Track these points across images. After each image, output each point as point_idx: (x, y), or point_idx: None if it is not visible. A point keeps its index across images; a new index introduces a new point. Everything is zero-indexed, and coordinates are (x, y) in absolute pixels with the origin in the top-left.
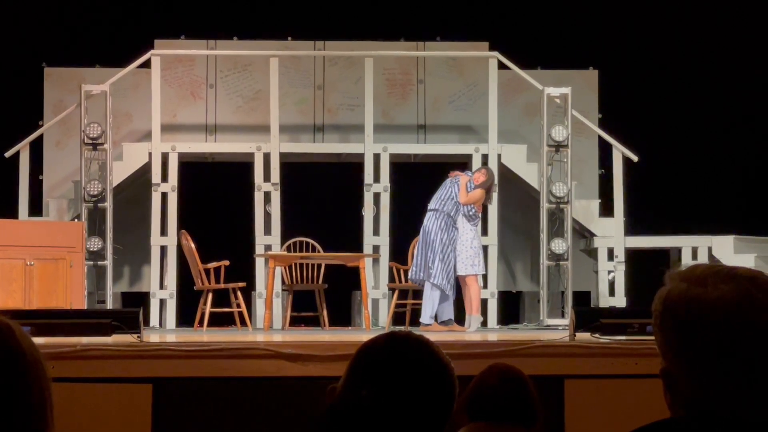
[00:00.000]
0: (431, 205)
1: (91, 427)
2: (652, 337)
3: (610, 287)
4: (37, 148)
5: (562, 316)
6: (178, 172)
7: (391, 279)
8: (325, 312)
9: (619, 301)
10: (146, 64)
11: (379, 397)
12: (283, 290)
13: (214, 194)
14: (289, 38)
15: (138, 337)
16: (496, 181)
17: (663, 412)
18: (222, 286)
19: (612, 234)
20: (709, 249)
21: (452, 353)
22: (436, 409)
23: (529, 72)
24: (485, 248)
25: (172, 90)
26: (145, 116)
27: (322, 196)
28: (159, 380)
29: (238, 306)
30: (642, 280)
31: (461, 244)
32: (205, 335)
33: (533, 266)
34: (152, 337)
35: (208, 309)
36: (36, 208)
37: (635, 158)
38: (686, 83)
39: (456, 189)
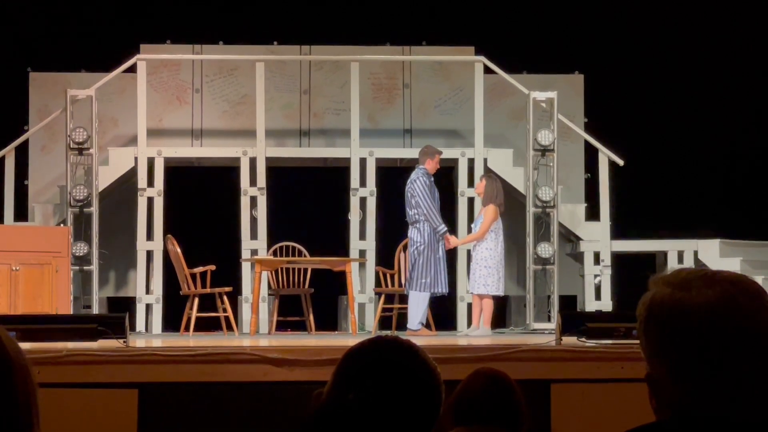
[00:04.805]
0: (407, 218)
1: None
2: (638, 341)
3: (597, 291)
4: (22, 153)
5: (549, 320)
6: (164, 177)
7: (378, 283)
8: (311, 316)
9: (605, 305)
10: (132, 69)
11: (365, 402)
12: (269, 295)
13: (201, 199)
14: (275, 43)
15: (124, 342)
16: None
17: (649, 416)
18: (208, 290)
19: (598, 238)
20: (695, 253)
21: (438, 357)
22: (423, 414)
23: (514, 76)
24: (470, 252)
25: (158, 95)
26: (131, 121)
27: (309, 200)
28: (145, 385)
29: (225, 311)
30: (628, 284)
31: (475, 263)
32: (191, 340)
33: (519, 270)
34: (138, 342)
35: (194, 314)
36: (21, 213)
37: (621, 162)
38: (672, 87)
39: (411, 189)
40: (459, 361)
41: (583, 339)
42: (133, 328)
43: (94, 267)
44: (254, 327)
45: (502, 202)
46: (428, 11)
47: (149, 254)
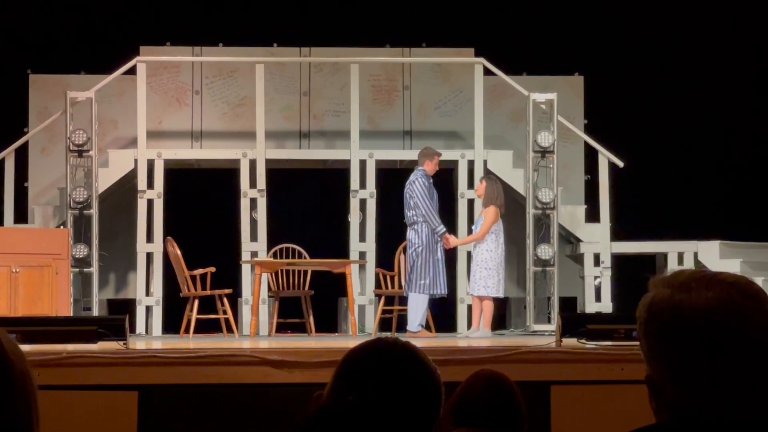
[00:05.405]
0: (405, 219)
1: None
2: (638, 343)
3: (596, 293)
4: (22, 155)
5: (549, 321)
6: (164, 179)
7: (378, 285)
8: (311, 318)
9: (606, 306)
10: (132, 71)
11: (365, 404)
12: (269, 297)
13: (200, 201)
14: (275, 45)
15: (124, 344)
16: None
17: (649, 418)
18: (208, 292)
19: (598, 240)
20: (695, 254)
21: (438, 359)
22: (422, 416)
23: (514, 78)
24: (470, 254)
25: (158, 96)
26: (131, 123)
27: (308, 202)
28: (145, 387)
29: (224, 313)
30: (628, 286)
31: (476, 264)
32: (191, 342)
33: (519, 272)
34: (138, 344)
35: (194, 316)
36: (21, 216)
37: (621, 164)
38: (672, 89)
39: (410, 191)
40: (459, 362)
41: (583, 341)
42: (133, 330)
43: (94, 269)
44: (254, 329)
45: (503, 203)
46: (428, 13)
47: (149, 256)
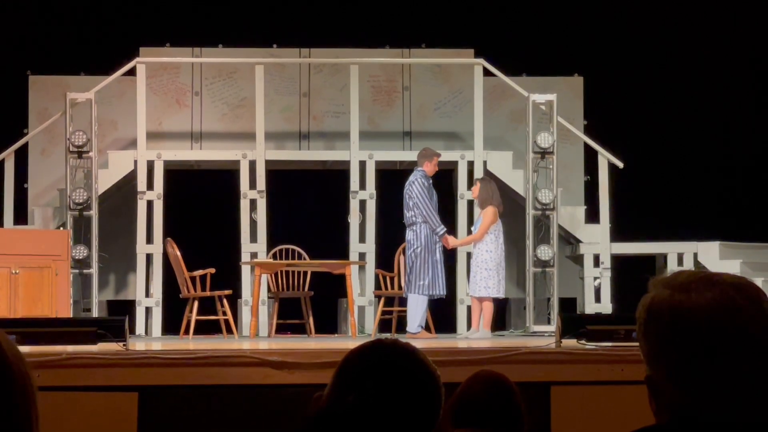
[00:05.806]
0: (404, 220)
1: None
2: (638, 343)
3: (596, 294)
4: (22, 156)
5: (549, 322)
6: (164, 180)
7: (377, 286)
8: (311, 319)
9: (605, 307)
10: (131, 72)
11: (365, 404)
12: (269, 298)
13: (200, 202)
14: (275, 46)
15: (124, 345)
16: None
17: (649, 419)
18: (208, 293)
19: (598, 240)
20: (695, 255)
21: (438, 360)
22: (422, 416)
23: (514, 79)
24: (470, 254)
25: (158, 98)
26: (131, 124)
27: (308, 203)
28: (145, 388)
29: (224, 314)
30: (628, 287)
31: (476, 265)
32: (191, 343)
33: (519, 273)
34: (138, 345)
35: (194, 317)
36: (21, 217)
37: (621, 164)
38: (671, 89)
39: (410, 191)
40: (459, 363)
41: (583, 341)
42: (132, 331)
43: (94, 270)
44: (254, 330)
45: (500, 203)
46: (428, 13)
47: (149, 257)
